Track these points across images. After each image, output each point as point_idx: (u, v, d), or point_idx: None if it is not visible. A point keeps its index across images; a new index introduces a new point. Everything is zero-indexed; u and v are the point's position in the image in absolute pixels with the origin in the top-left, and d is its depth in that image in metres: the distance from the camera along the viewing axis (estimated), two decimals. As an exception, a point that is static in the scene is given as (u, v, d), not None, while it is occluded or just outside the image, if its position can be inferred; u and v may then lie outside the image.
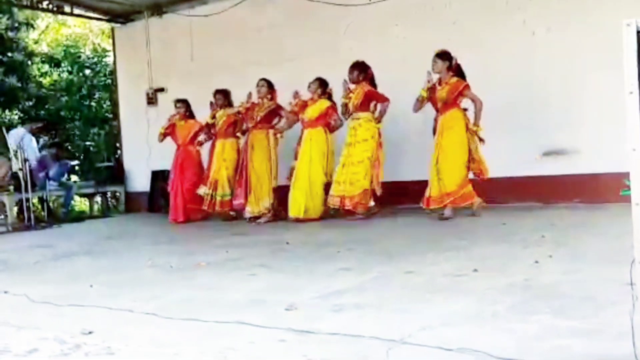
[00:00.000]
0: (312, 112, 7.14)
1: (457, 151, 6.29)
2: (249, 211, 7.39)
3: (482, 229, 5.67)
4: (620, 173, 6.88)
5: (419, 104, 6.55)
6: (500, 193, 6.84)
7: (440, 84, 6.43)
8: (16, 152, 8.62)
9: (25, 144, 9.23)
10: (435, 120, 6.49)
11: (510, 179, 7.07)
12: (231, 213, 7.81)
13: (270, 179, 7.38)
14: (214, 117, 7.96)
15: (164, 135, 8.25)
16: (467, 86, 6.35)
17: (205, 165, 8.16)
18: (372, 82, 6.96)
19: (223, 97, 7.94)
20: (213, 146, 7.98)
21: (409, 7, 7.83)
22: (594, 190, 6.78)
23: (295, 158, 7.28)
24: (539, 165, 7.17)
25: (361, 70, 6.92)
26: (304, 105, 7.23)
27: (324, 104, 7.16)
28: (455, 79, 6.36)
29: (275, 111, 7.54)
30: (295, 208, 7.00)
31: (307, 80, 7.41)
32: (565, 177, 7.02)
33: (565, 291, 2.97)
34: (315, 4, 8.37)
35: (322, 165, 7.08)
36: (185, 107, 8.21)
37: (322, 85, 7.22)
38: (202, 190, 7.85)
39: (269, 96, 7.52)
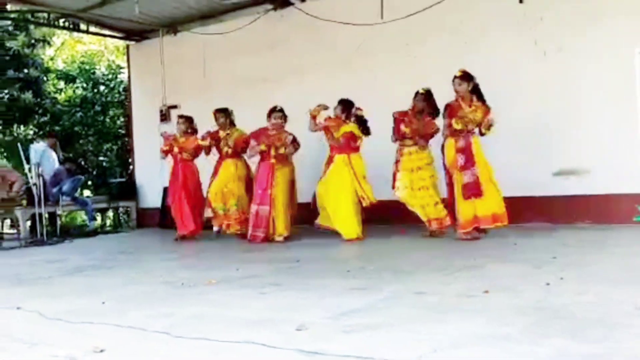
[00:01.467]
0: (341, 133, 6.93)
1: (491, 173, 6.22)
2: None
3: (493, 248, 5.65)
4: (632, 194, 6.88)
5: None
6: (511, 212, 6.80)
7: (459, 102, 6.27)
8: (33, 166, 8.72)
9: (45, 158, 9.39)
10: (466, 139, 6.22)
11: (521, 199, 7.05)
12: (238, 231, 7.64)
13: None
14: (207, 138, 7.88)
15: (165, 153, 8.22)
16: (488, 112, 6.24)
17: (204, 183, 8.07)
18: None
19: (224, 116, 7.79)
20: (219, 165, 7.78)
21: (421, 27, 7.89)
22: (605, 211, 6.77)
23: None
24: (550, 185, 7.16)
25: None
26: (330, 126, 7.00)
27: (347, 128, 6.96)
28: (482, 105, 6.23)
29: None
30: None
31: (319, 97, 7.37)
32: (576, 198, 7.00)
33: (576, 314, 2.95)
34: (327, 22, 8.48)
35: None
36: (187, 124, 8.16)
37: (345, 107, 7.02)
38: (208, 212, 7.76)
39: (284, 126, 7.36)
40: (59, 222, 9.71)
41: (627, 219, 6.59)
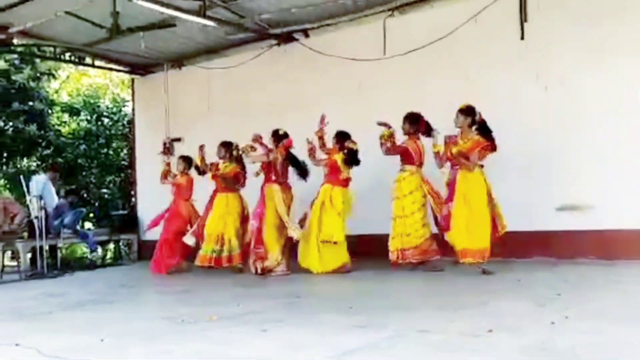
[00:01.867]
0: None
1: (485, 208, 6.20)
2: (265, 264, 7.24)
3: (497, 285, 5.60)
4: (635, 230, 6.83)
5: (439, 158, 6.46)
6: (515, 247, 6.79)
7: (462, 138, 6.31)
8: (36, 199, 8.73)
9: (46, 191, 9.40)
10: (454, 173, 6.32)
11: (524, 233, 7.02)
12: (239, 265, 7.68)
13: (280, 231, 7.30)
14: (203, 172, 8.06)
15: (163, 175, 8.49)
16: (488, 147, 6.24)
17: (195, 216, 8.24)
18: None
19: (225, 150, 7.90)
20: (213, 199, 7.87)
21: (423, 62, 7.97)
22: (609, 247, 6.73)
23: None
24: (553, 220, 7.13)
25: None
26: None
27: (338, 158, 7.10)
28: (477, 136, 6.25)
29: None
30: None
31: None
32: (579, 233, 6.97)
33: (582, 355, 2.91)
34: (331, 57, 8.58)
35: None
36: (185, 164, 8.38)
37: (339, 138, 7.19)
38: (191, 240, 7.84)
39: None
40: (59, 255, 9.66)
41: (631, 255, 6.55)
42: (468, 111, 6.29)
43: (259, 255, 7.18)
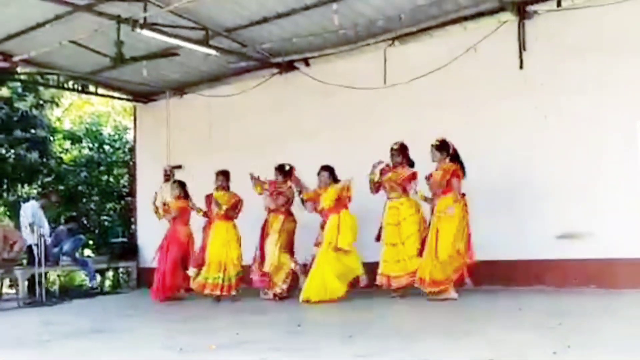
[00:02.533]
0: (327, 201, 7.22)
1: (455, 236, 6.32)
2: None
3: (498, 313, 5.57)
4: (635, 259, 6.81)
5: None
6: (514, 276, 6.75)
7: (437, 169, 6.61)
8: (31, 225, 8.72)
9: (37, 218, 9.34)
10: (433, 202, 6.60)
11: (525, 262, 7.00)
12: (235, 293, 7.67)
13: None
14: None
15: (157, 208, 8.57)
16: (456, 171, 6.44)
17: (192, 241, 8.38)
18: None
19: (224, 178, 7.99)
20: (209, 227, 8.01)
21: (423, 90, 8.02)
22: (609, 275, 6.70)
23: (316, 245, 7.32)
24: (553, 249, 7.10)
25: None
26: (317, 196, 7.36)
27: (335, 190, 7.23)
28: (449, 163, 6.52)
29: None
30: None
31: (324, 158, 7.57)
32: (580, 261, 6.94)
33: (585, 385, 2.88)
34: (332, 85, 8.65)
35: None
36: (181, 189, 8.46)
37: (332, 173, 7.37)
38: (194, 272, 7.91)
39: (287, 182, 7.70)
40: (57, 283, 9.61)
41: (631, 284, 6.52)
42: (442, 145, 6.59)
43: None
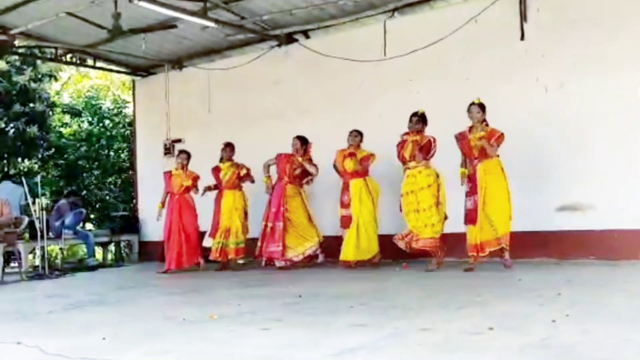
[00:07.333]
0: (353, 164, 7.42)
1: (505, 196, 6.38)
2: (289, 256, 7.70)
3: (498, 284, 5.60)
4: (636, 230, 6.84)
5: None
6: (515, 248, 6.76)
7: (470, 132, 6.55)
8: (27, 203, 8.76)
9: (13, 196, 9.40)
10: (474, 168, 6.51)
11: (526, 234, 7.02)
12: (240, 262, 8.08)
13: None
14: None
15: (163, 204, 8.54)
16: (502, 135, 6.45)
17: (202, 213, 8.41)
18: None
19: (230, 150, 8.27)
20: (220, 196, 8.23)
21: (423, 63, 7.98)
22: (609, 247, 6.73)
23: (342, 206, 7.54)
24: (554, 221, 7.13)
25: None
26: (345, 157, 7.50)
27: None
28: (490, 127, 6.52)
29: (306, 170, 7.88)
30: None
31: (322, 132, 7.61)
32: (580, 233, 6.97)
33: (583, 352, 2.91)
34: (331, 58, 8.59)
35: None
36: (186, 158, 8.44)
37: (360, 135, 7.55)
38: (209, 242, 8.03)
39: (303, 152, 7.84)
40: (60, 256, 9.66)
41: (632, 255, 6.55)
42: (483, 107, 6.53)
43: None
